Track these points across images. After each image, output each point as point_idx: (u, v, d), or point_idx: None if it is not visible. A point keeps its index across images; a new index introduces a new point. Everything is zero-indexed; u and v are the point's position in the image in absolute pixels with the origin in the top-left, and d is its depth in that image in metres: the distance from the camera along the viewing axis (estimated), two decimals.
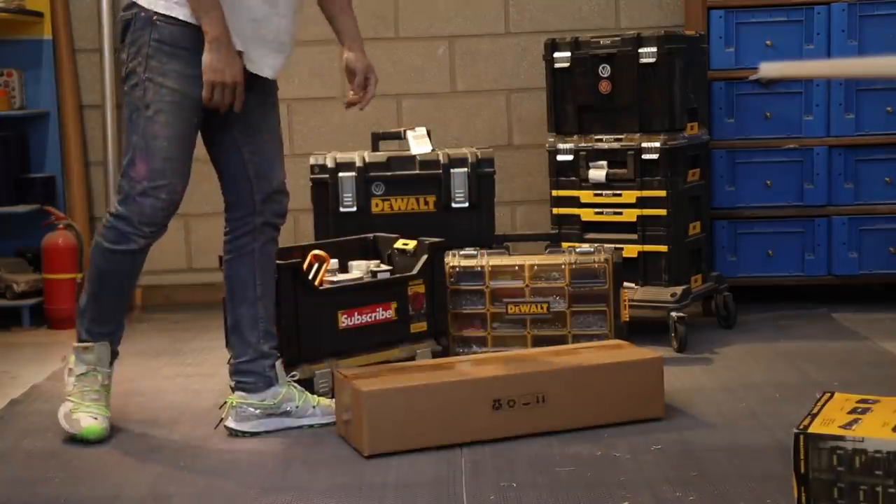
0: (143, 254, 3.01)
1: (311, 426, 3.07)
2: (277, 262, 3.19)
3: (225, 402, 3.08)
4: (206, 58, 2.80)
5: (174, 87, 2.86)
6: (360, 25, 3.17)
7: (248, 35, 2.89)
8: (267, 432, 3.04)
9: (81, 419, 3.01)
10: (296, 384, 3.12)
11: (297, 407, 3.07)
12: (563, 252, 3.71)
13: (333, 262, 3.52)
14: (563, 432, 2.91)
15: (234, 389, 3.10)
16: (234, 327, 3.12)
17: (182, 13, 2.84)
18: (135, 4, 2.88)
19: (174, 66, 2.86)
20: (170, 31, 2.85)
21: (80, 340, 3.07)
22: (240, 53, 2.87)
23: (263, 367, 3.08)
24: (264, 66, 2.96)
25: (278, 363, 3.10)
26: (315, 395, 3.14)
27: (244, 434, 3.03)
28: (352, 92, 3.13)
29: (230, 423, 3.04)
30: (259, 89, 3.00)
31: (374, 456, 2.79)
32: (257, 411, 3.04)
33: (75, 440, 3.01)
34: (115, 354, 3.12)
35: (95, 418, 3.01)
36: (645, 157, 3.91)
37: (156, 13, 2.84)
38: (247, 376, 3.08)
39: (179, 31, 2.85)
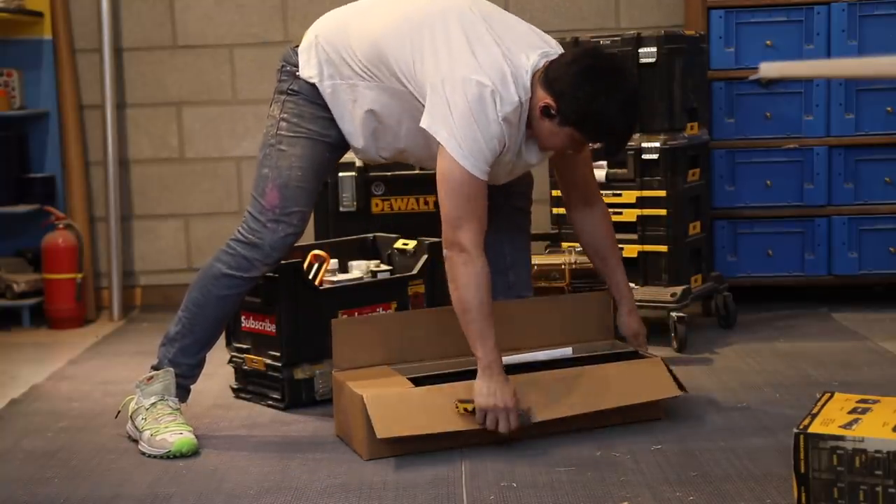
0: (254, 285, 3.09)
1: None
2: None
3: None
4: (478, 384, 2.79)
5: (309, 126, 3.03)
6: None
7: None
8: None
9: (168, 437, 2.89)
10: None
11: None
12: (563, 252, 3.71)
13: (333, 262, 3.52)
14: (563, 432, 2.91)
15: None
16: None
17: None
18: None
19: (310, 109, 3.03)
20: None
21: (153, 368, 3.04)
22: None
23: None
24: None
25: None
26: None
27: None
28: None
29: None
30: None
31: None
32: None
33: (168, 458, 2.88)
34: (186, 392, 3.08)
35: (181, 433, 2.91)
36: (645, 157, 3.90)
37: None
38: None
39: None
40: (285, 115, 3.03)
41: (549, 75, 2.81)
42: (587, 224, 3.18)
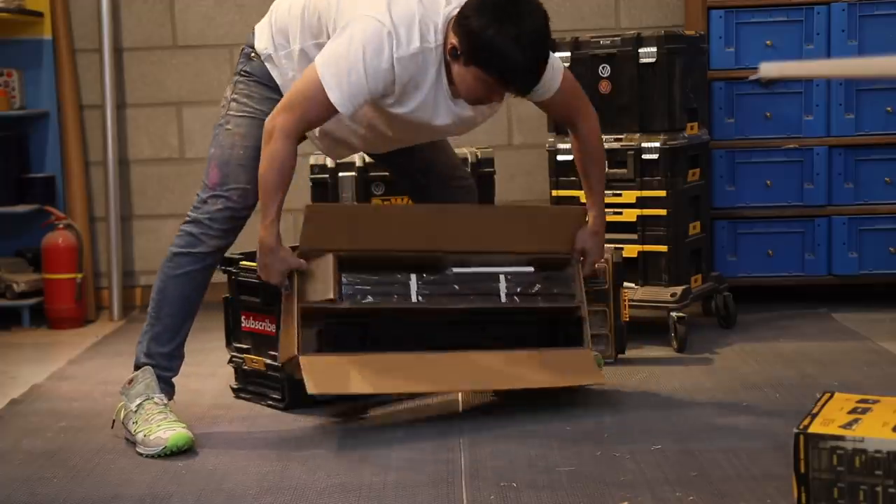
0: (210, 265, 3.06)
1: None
2: None
3: None
4: (258, 259, 2.94)
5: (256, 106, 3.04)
6: None
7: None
8: None
9: (162, 434, 2.86)
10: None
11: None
12: None
13: None
14: (562, 432, 2.91)
15: None
16: None
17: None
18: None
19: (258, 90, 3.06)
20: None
21: (135, 368, 3.02)
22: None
23: None
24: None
25: None
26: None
27: None
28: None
29: None
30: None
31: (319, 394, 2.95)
32: None
33: (164, 456, 2.86)
34: (171, 387, 3.05)
35: (174, 429, 2.88)
36: (645, 157, 3.91)
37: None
38: None
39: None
40: (235, 96, 3.06)
41: (458, 17, 2.83)
42: (575, 142, 3.24)
